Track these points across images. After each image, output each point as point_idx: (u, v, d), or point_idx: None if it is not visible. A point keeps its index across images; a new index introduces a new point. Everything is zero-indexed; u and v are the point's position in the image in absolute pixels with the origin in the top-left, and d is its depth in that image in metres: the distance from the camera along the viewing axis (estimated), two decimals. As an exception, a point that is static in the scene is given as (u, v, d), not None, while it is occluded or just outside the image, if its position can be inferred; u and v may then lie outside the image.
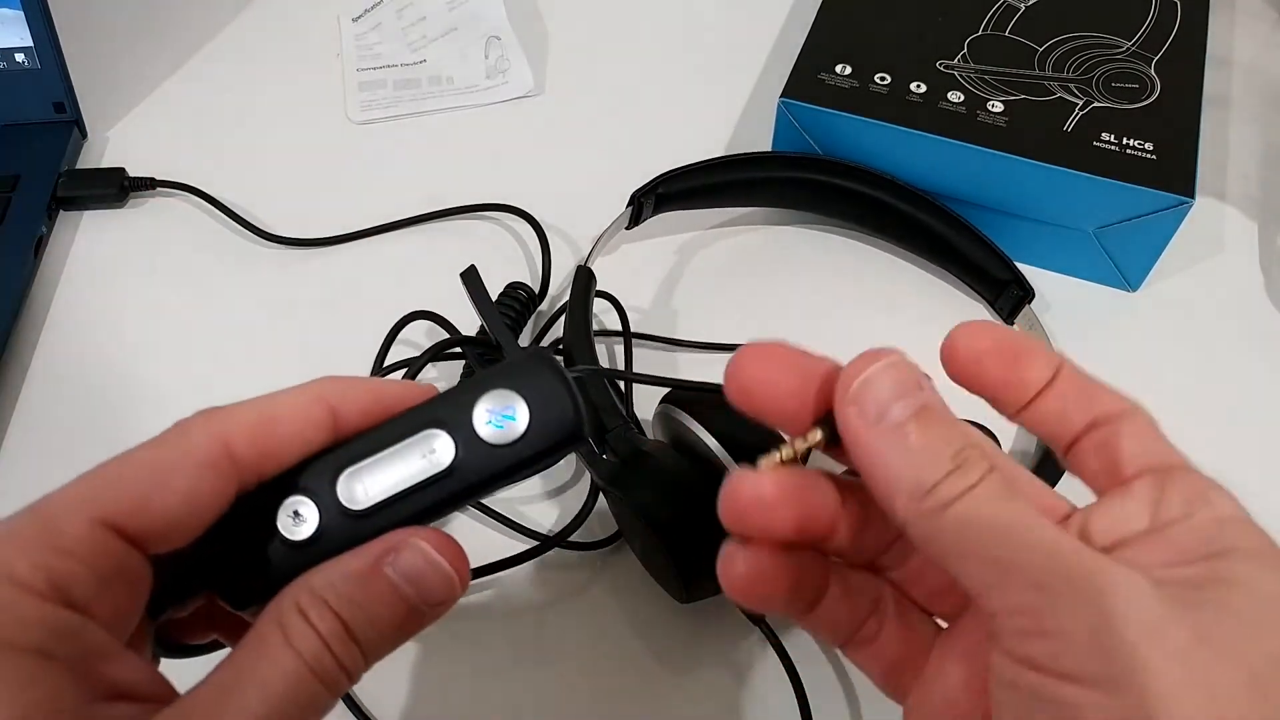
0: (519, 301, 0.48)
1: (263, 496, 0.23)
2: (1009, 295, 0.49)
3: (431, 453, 0.23)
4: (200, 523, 0.22)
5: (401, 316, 0.47)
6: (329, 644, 0.22)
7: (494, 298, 0.47)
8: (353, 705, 0.38)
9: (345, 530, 0.23)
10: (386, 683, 0.39)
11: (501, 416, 0.23)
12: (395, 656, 0.39)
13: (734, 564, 0.24)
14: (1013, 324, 0.50)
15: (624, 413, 0.40)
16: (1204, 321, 0.51)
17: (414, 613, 0.23)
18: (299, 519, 0.23)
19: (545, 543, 0.41)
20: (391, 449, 0.23)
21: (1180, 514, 0.23)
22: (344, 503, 0.23)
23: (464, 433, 0.23)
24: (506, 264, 0.52)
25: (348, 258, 0.53)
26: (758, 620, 0.38)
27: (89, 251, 0.53)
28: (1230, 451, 0.46)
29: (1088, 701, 0.19)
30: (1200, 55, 0.53)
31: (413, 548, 0.23)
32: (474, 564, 0.41)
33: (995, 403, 0.26)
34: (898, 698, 0.26)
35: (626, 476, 0.37)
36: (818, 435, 0.24)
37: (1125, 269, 0.51)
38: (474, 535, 0.43)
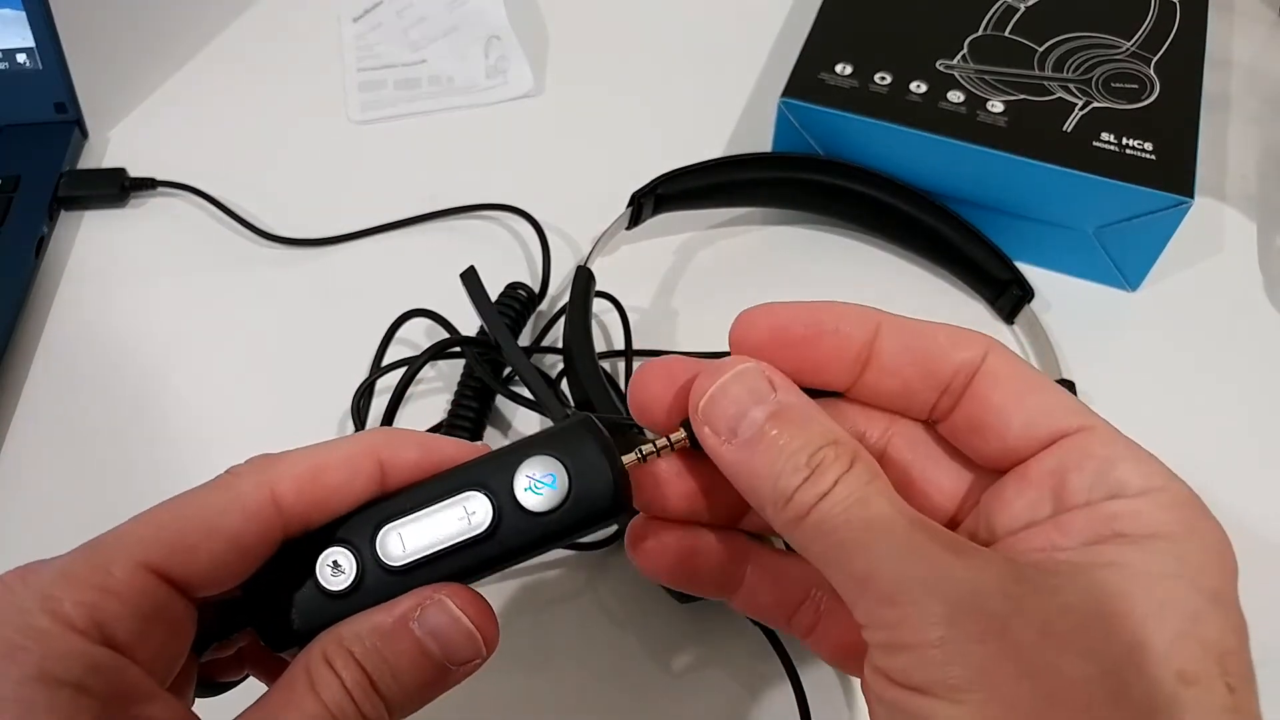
0: (519, 301, 0.48)
1: (309, 542, 0.24)
2: (1009, 295, 0.49)
3: (472, 514, 0.23)
4: (245, 570, 0.23)
5: (399, 315, 0.47)
6: (352, 694, 0.22)
7: (494, 297, 0.47)
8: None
9: (381, 584, 0.23)
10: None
11: (542, 484, 0.23)
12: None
13: (635, 535, 0.25)
14: (1013, 324, 0.50)
15: (624, 413, 0.40)
16: (1204, 321, 0.51)
17: (440, 670, 0.23)
18: (338, 569, 0.23)
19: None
20: (432, 508, 0.24)
21: (1083, 499, 0.22)
22: (382, 557, 0.23)
23: (504, 497, 0.23)
24: (506, 264, 0.52)
25: (348, 258, 0.53)
26: (757, 620, 0.38)
27: (90, 252, 0.53)
28: (1230, 451, 0.46)
29: (940, 714, 0.19)
30: (1199, 55, 0.53)
31: (439, 605, 0.23)
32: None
33: (815, 391, 0.24)
34: (854, 674, 0.26)
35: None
36: (680, 435, 0.24)
37: (1125, 269, 0.51)
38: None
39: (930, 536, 0.21)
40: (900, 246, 0.53)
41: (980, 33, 0.54)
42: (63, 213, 0.54)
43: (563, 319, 0.44)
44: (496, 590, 0.41)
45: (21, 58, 0.55)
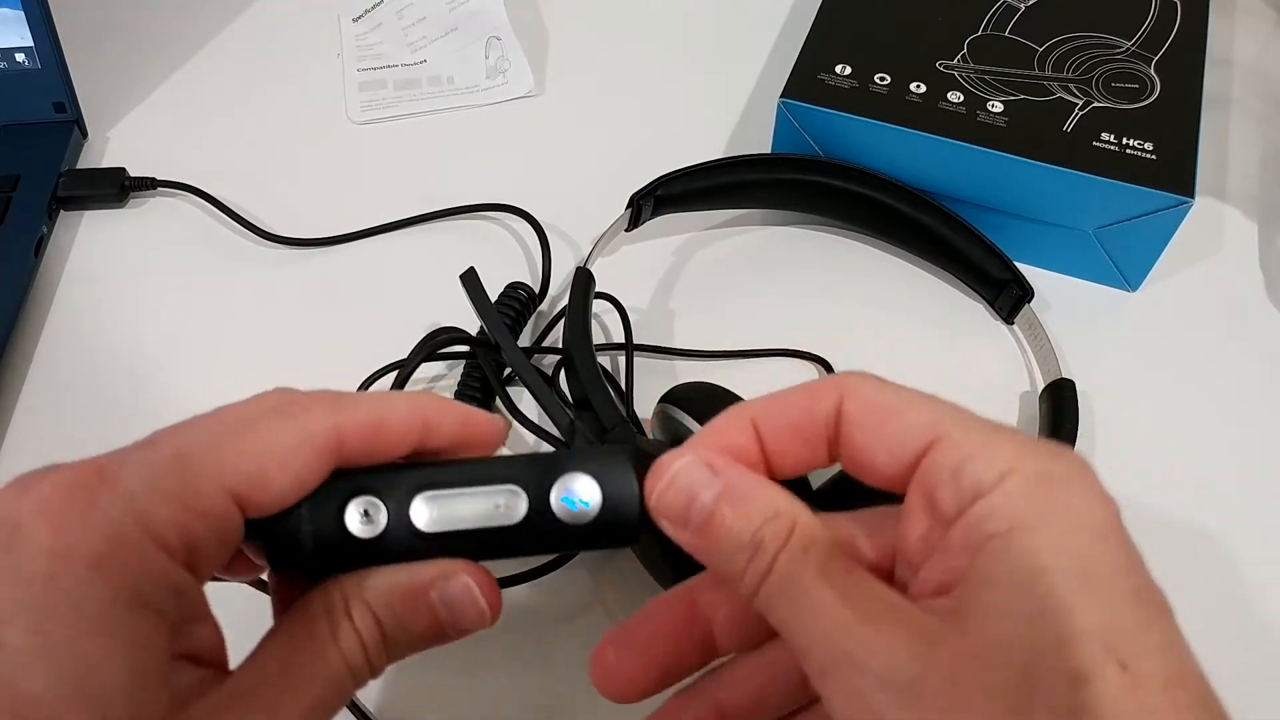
0: (519, 301, 0.48)
1: (336, 482, 0.25)
2: (1008, 295, 0.49)
3: (506, 507, 0.25)
4: (297, 498, 0.24)
5: (431, 331, 0.47)
6: (367, 650, 0.24)
7: (494, 297, 0.47)
8: (353, 706, 0.38)
9: (405, 544, 0.25)
10: (385, 684, 0.39)
11: (577, 500, 0.25)
12: (402, 665, 0.39)
13: (604, 672, 0.26)
14: (1012, 323, 0.50)
15: (624, 413, 0.40)
16: (1204, 321, 0.51)
17: (441, 634, 0.25)
18: (367, 519, 0.24)
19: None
20: (473, 489, 0.25)
21: (954, 512, 0.22)
22: (413, 520, 0.25)
23: (539, 501, 0.25)
24: (506, 264, 0.52)
25: (348, 258, 0.53)
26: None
27: (89, 251, 0.53)
28: (1230, 452, 0.46)
29: None
30: (1200, 55, 0.53)
31: (460, 581, 0.25)
32: (497, 574, 0.41)
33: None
34: None
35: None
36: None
37: (1125, 269, 0.51)
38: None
39: (852, 607, 0.22)
40: (900, 247, 0.53)
41: (980, 33, 0.54)
42: (62, 212, 0.54)
43: (563, 320, 0.44)
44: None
45: (20, 57, 0.55)
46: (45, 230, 0.53)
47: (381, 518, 0.24)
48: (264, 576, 0.27)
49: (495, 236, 0.54)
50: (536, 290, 0.50)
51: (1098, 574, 0.21)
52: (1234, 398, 0.48)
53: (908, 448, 0.23)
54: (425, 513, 0.25)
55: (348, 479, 0.25)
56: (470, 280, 0.43)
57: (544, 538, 0.25)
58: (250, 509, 0.23)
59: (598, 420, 0.39)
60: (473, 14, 0.65)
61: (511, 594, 0.40)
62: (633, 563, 0.41)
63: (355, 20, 0.65)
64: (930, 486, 0.23)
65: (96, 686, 0.19)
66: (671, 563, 0.36)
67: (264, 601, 0.26)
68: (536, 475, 0.25)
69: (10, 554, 0.20)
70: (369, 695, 0.38)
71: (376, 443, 0.24)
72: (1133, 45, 0.53)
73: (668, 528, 0.24)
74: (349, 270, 0.52)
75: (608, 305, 0.49)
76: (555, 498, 0.25)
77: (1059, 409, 0.45)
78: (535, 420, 0.45)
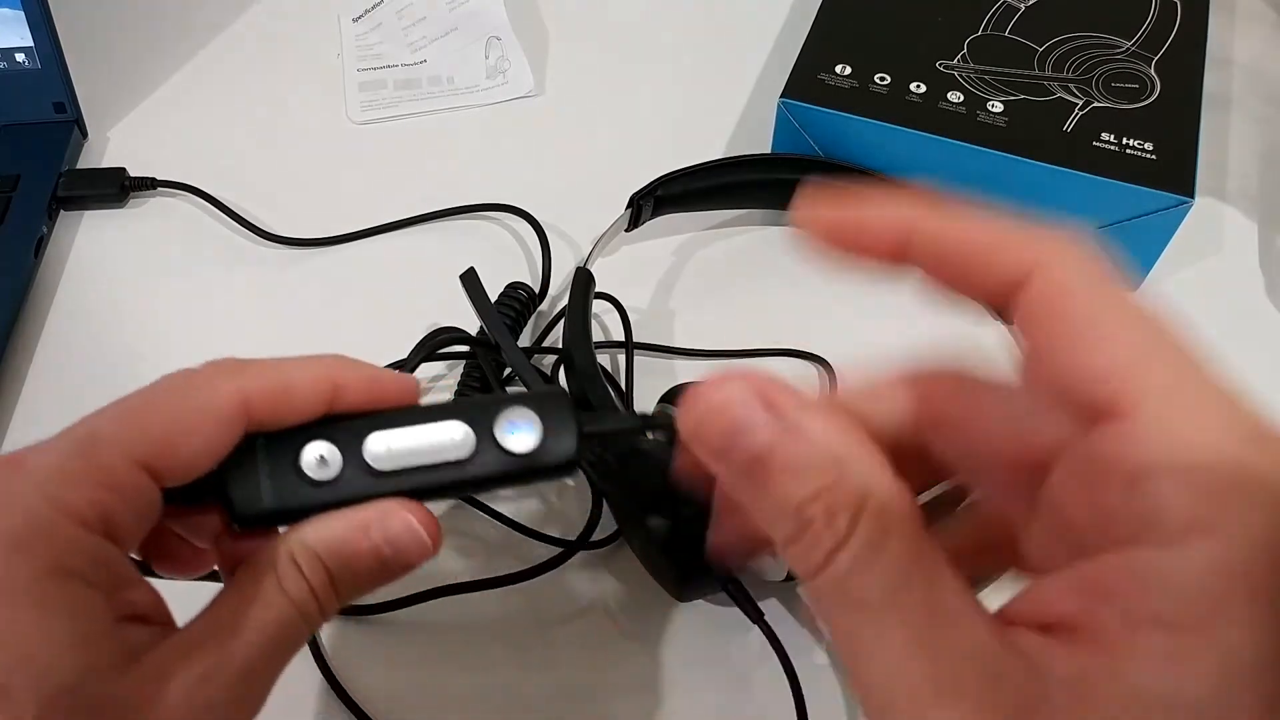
0: (519, 301, 0.48)
1: (286, 436, 0.26)
2: (1009, 295, 0.49)
3: (454, 442, 0.26)
4: (209, 464, 0.25)
5: (431, 331, 0.47)
6: (316, 593, 0.24)
7: (494, 297, 0.47)
8: (353, 706, 0.38)
9: (361, 483, 0.26)
10: (385, 684, 0.39)
11: (519, 431, 0.26)
12: (395, 659, 0.39)
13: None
14: (1013, 324, 0.50)
15: (622, 409, 0.40)
16: (1204, 321, 0.50)
17: (387, 571, 0.25)
18: (323, 463, 0.26)
19: (570, 547, 0.41)
20: (422, 427, 0.26)
21: (1109, 534, 0.17)
22: (368, 459, 0.26)
23: (485, 434, 0.26)
24: (506, 264, 0.52)
25: (348, 258, 0.53)
26: (756, 618, 0.38)
27: (89, 251, 0.53)
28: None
29: None
30: (1200, 55, 0.53)
31: (399, 516, 0.25)
32: (496, 572, 0.41)
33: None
34: None
35: (625, 476, 0.37)
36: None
37: (1125, 269, 0.51)
38: (481, 540, 0.43)
39: (929, 660, 0.17)
40: (900, 246, 0.53)
41: (980, 33, 0.54)
42: (62, 212, 0.54)
43: (563, 319, 0.44)
44: (495, 589, 0.41)
45: (20, 57, 0.55)
46: (45, 230, 0.53)
47: (337, 460, 0.26)
48: (215, 568, 0.28)
49: (495, 236, 0.54)
50: (536, 290, 0.50)
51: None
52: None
53: (1083, 401, 0.17)
54: (378, 452, 0.26)
55: (295, 431, 0.26)
56: (470, 280, 0.43)
57: (492, 470, 0.26)
58: (165, 478, 0.24)
59: (593, 412, 0.39)
60: (473, 14, 0.65)
61: (512, 594, 0.40)
62: (633, 563, 0.41)
63: (355, 20, 0.65)
64: (1094, 478, 0.17)
65: (38, 653, 0.20)
66: (673, 563, 0.36)
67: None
68: (481, 412, 0.27)
69: None
70: (369, 695, 0.38)
71: (284, 405, 0.25)
72: (1133, 45, 0.53)
73: (705, 457, 0.20)
74: (349, 270, 0.52)
75: (608, 305, 0.49)
76: (500, 430, 0.26)
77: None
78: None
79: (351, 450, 0.26)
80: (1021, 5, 0.55)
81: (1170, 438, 0.16)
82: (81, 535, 0.22)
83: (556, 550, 0.41)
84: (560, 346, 0.44)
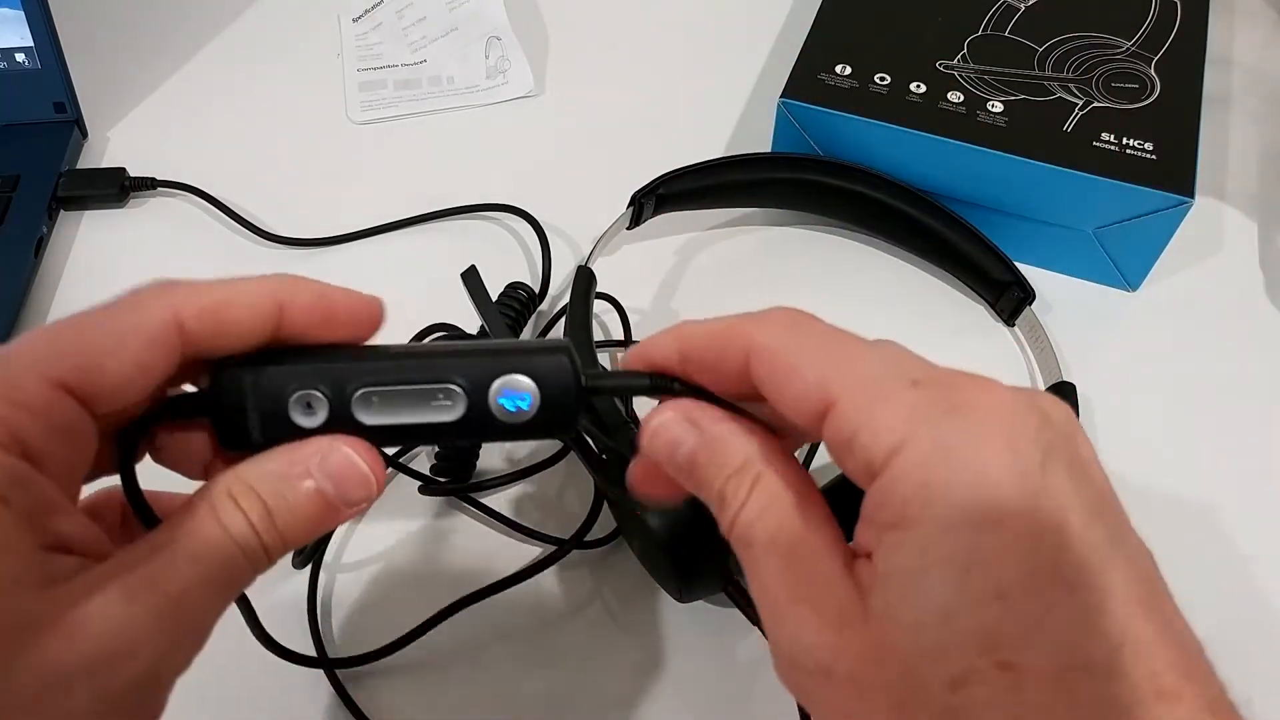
0: (519, 301, 0.48)
1: (277, 374, 0.25)
2: (1010, 297, 0.49)
3: (444, 403, 0.25)
4: (147, 388, 0.24)
5: (428, 328, 0.47)
6: (255, 526, 0.24)
7: (494, 297, 0.47)
8: (352, 706, 0.38)
9: (344, 434, 0.25)
10: (385, 684, 0.39)
11: (514, 400, 0.25)
12: (394, 657, 0.39)
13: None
14: (1013, 325, 0.50)
15: (624, 411, 0.40)
16: (1204, 321, 0.51)
17: (333, 510, 0.25)
18: (310, 410, 0.25)
19: (564, 546, 0.41)
20: (413, 386, 0.25)
21: (863, 483, 0.23)
22: (355, 415, 0.25)
23: (477, 399, 0.25)
24: (506, 264, 0.52)
25: (348, 258, 0.53)
26: (756, 619, 0.38)
27: (89, 251, 0.53)
28: (1230, 451, 0.46)
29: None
30: (1200, 55, 0.53)
31: (340, 451, 0.25)
32: (495, 572, 0.41)
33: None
34: None
35: (621, 475, 0.37)
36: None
37: (1125, 269, 0.51)
38: (480, 540, 0.43)
39: (788, 583, 0.23)
40: (901, 248, 0.53)
41: (980, 33, 0.54)
42: (62, 212, 0.54)
43: (563, 319, 0.44)
44: (502, 599, 0.41)
45: (20, 57, 0.55)
46: (45, 230, 0.53)
47: (324, 410, 0.25)
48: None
49: (495, 236, 0.54)
50: (536, 290, 0.50)
51: (981, 564, 0.20)
52: (1235, 397, 0.48)
53: (809, 413, 0.23)
54: (367, 406, 0.25)
55: (290, 368, 0.25)
56: (471, 279, 0.43)
57: (480, 433, 0.26)
58: (94, 398, 0.23)
59: (598, 418, 0.39)
60: (473, 14, 0.65)
61: (511, 593, 0.40)
62: (632, 562, 0.41)
63: (355, 20, 0.65)
64: (837, 458, 0.23)
65: None
66: (673, 563, 0.36)
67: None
68: (476, 374, 0.25)
69: None
70: (369, 695, 0.38)
71: (222, 325, 0.25)
72: (1133, 45, 0.53)
73: (660, 463, 0.26)
74: (349, 270, 0.52)
75: (607, 305, 0.49)
76: (493, 397, 0.25)
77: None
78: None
79: (339, 402, 0.25)
80: (1021, 5, 0.55)
81: (865, 416, 0.22)
82: None
83: (553, 549, 0.41)
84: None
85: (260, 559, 0.24)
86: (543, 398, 0.25)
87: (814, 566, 0.23)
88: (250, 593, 0.30)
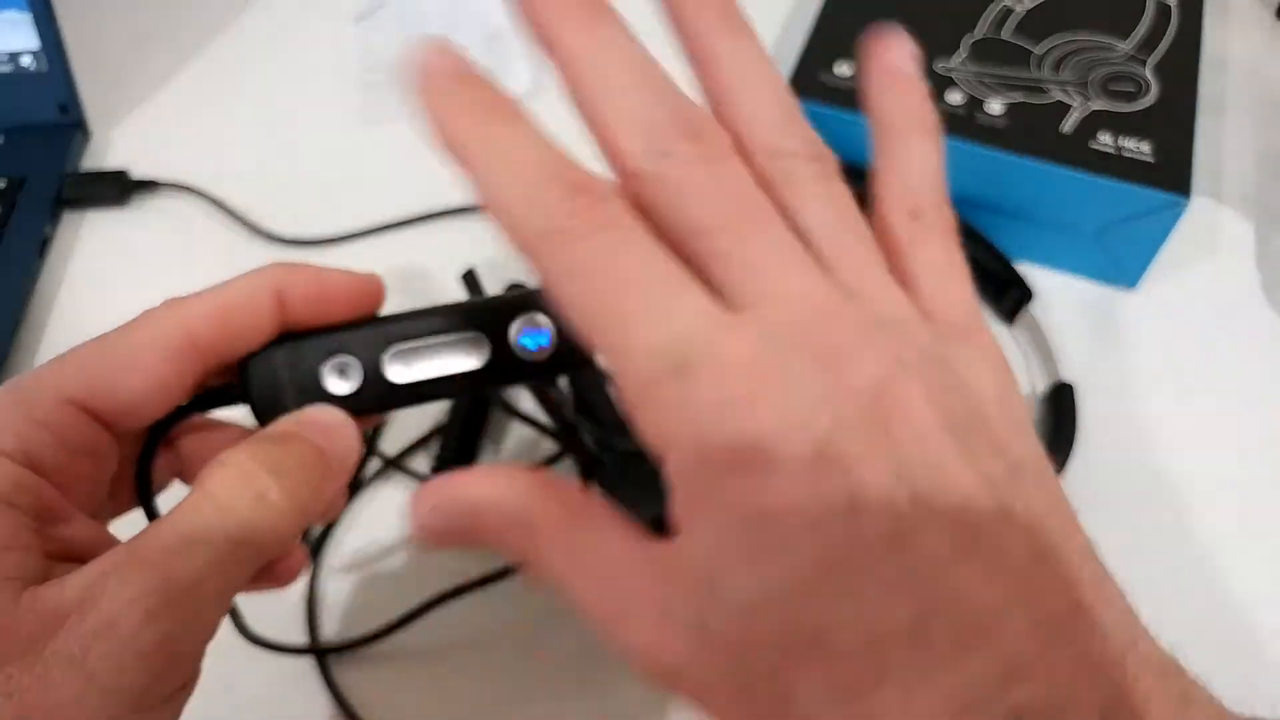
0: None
1: (308, 347, 0.26)
2: (1009, 296, 0.49)
3: (471, 352, 0.27)
4: (165, 404, 0.25)
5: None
6: (254, 481, 0.23)
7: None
8: (347, 708, 0.38)
9: (379, 396, 0.26)
10: (385, 684, 0.39)
11: (534, 337, 0.27)
12: (393, 657, 0.39)
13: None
14: (1012, 324, 0.50)
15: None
16: (1202, 320, 0.51)
17: (327, 465, 0.25)
18: (344, 376, 0.26)
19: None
20: (438, 338, 0.26)
21: None
22: (386, 374, 0.26)
23: (500, 343, 0.27)
24: (507, 264, 0.52)
25: (349, 258, 0.53)
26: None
27: (93, 252, 0.53)
28: (1229, 451, 0.46)
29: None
30: (1196, 57, 0.54)
31: (315, 409, 0.26)
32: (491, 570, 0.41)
33: None
34: None
35: (621, 476, 0.37)
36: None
37: (1123, 268, 0.51)
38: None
39: (596, 612, 0.23)
40: (899, 247, 0.53)
41: (978, 34, 0.54)
42: (66, 213, 0.55)
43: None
44: (494, 591, 0.41)
45: (26, 60, 0.55)
46: (49, 231, 0.53)
47: (357, 374, 0.26)
48: None
49: (495, 237, 0.54)
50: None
51: (767, 557, 0.20)
52: (1232, 396, 0.48)
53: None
54: (396, 366, 0.26)
55: (318, 339, 0.26)
56: (470, 281, 0.43)
57: (508, 374, 0.27)
58: (110, 415, 0.24)
59: (597, 419, 0.40)
60: (473, 13, 0.65)
61: (509, 593, 0.41)
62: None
63: (357, 21, 0.65)
64: None
65: None
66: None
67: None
68: (496, 319, 0.27)
69: None
70: (370, 694, 0.39)
71: (230, 327, 0.25)
72: (1129, 47, 0.54)
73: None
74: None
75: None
76: (514, 338, 0.27)
77: (1058, 414, 0.45)
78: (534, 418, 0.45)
79: (370, 364, 0.26)
80: (1019, 7, 0.56)
81: None
82: (2, 462, 0.23)
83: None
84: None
85: (269, 514, 0.24)
86: (560, 330, 0.26)
87: (622, 580, 0.22)
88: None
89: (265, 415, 0.26)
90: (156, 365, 0.24)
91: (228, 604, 0.23)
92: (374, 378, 0.26)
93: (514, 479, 0.24)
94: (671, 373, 0.21)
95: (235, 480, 0.23)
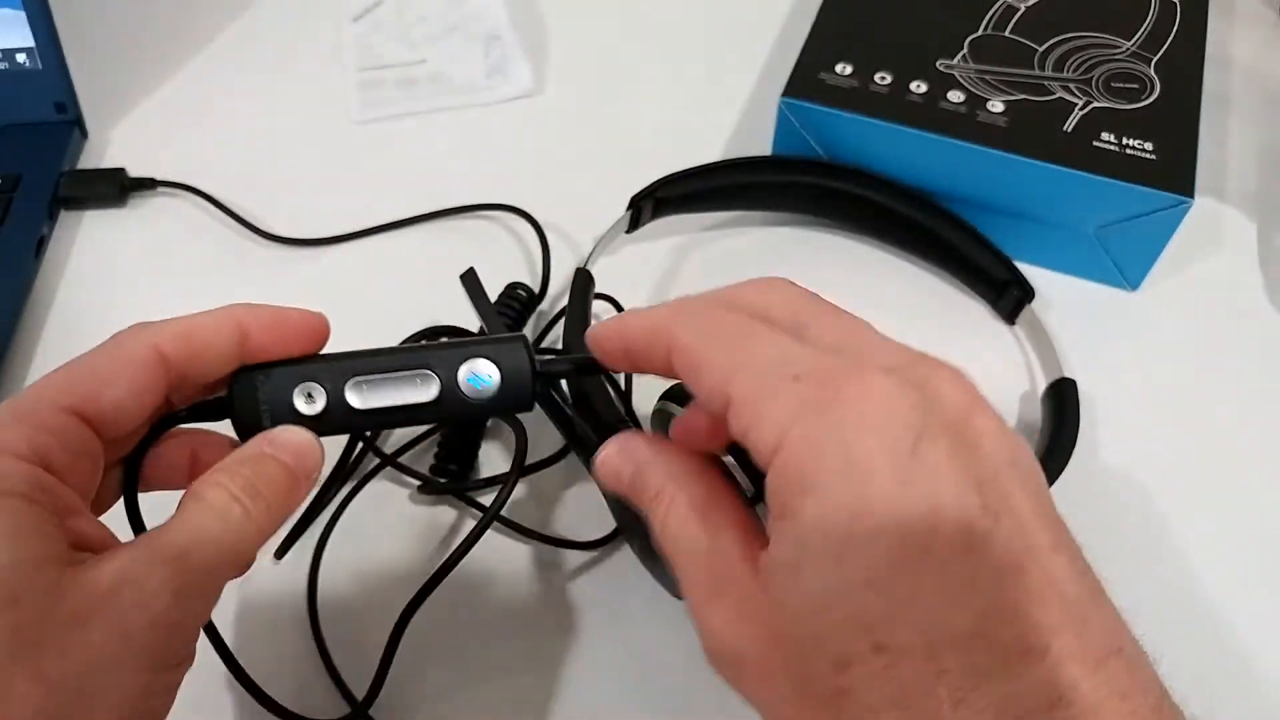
0: (519, 301, 0.48)
1: (283, 377, 0.31)
2: (1009, 296, 0.49)
3: (422, 387, 0.31)
4: (142, 410, 0.29)
5: (427, 329, 0.47)
6: (239, 499, 0.28)
7: (494, 297, 0.47)
8: (356, 707, 0.38)
9: (341, 418, 0.31)
10: (386, 684, 0.39)
11: (480, 380, 0.31)
12: (399, 662, 0.39)
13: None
14: (1013, 324, 0.50)
15: (623, 411, 0.40)
16: (1204, 320, 0.51)
17: (294, 478, 0.29)
18: (311, 400, 0.31)
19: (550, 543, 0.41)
20: (395, 374, 0.31)
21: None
22: (349, 400, 0.31)
23: (449, 382, 0.31)
24: (506, 264, 0.52)
25: (348, 258, 0.53)
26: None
27: (90, 251, 0.53)
28: (1230, 451, 0.46)
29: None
30: (1199, 55, 0.53)
31: (287, 430, 0.30)
32: (492, 571, 0.41)
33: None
34: None
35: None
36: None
37: (1125, 268, 0.51)
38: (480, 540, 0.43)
39: (702, 584, 0.26)
40: (901, 249, 0.53)
41: (980, 32, 0.54)
42: (63, 212, 0.54)
43: (563, 319, 0.44)
44: (492, 592, 0.41)
45: (21, 57, 0.55)
46: (46, 230, 0.53)
47: (321, 399, 0.31)
48: None
49: (495, 236, 0.54)
50: (536, 290, 0.50)
51: (851, 553, 0.22)
52: (1234, 396, 0.48)
53: (718, 410, 0.25)
54: (356, 395, 0.31)
55: (292, 368, 0.31)
56: (470, 280, 0.43)
57: (455, 412, 0.31)
58: (99, 421, 0.28)
59: (597, 418, 0.39)
60: (473, 13, 0.65)
61: (511, 591, 0.40)
62: (632, 562, 0.41)
63: (355, 20, 0.65)
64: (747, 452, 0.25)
65: None
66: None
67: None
68: (447, 361, 0.31)
69: None
70: (355, 670, 0.39)
71: (194, 348, 0.29)
72: (1132, 45, 0.53)
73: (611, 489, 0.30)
74: (349, 270, 0.52)
75: (608, 305, 0.49)
76: (462, 379, 0.31)
77: (1060, 409, 0.45)
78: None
79: (335, 392, 0.31)
80: (1021, 5, 0.55)
81: (754, 413, 0.24)
82: (16, 464, 0.26)
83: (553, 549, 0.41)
84: (560, 346, 0.44)
85: (244, 526, 0.28)
86: (503, 376, 0.31)
87: (721, 567, 0.25)
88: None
89: (245, 430, 0.30)
90: (135, 377, 0.28)
91: (219, 594, 0.28)
92: (336, 403, 0.31)
93: (681, 456, 0.29)
94: (789, 378, 0.24)
95: (225, 495, 0.28)
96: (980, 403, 0.24)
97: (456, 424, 0.38)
